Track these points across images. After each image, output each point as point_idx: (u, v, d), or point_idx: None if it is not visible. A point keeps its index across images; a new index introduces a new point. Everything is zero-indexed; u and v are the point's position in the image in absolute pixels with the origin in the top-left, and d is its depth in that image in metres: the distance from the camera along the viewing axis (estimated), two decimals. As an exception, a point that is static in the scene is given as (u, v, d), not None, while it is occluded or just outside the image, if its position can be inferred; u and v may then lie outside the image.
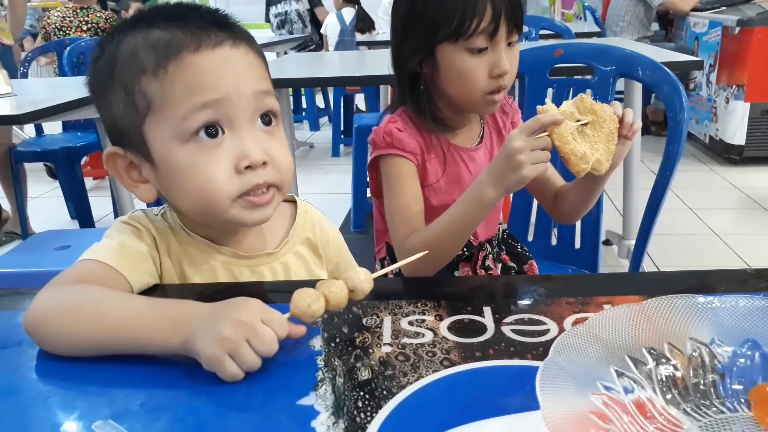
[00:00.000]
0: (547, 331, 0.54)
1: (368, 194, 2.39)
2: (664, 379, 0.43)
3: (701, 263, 2.42)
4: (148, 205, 0.76)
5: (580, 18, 5.06)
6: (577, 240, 1.36)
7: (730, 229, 2.64)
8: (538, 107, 0.72)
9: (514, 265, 1.07)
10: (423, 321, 0.57)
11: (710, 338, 0.45)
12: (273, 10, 4.71)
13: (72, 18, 3.41)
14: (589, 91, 1.31)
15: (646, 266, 2.28)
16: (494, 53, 0.84)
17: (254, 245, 0.69)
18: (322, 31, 4.32)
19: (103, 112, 0.62)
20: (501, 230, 1.09)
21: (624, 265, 2.30)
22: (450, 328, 0.55)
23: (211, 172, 0.58)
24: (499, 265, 1.07)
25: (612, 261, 2.36)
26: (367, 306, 0.59)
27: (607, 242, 2.48)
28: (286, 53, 4.45)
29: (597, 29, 3.85)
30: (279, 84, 2.47)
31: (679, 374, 0.44)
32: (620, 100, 1.17)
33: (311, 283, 0.55)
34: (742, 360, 0.44)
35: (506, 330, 0.54)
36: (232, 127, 0.59)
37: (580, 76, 1.44)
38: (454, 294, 0.62)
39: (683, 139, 1.14)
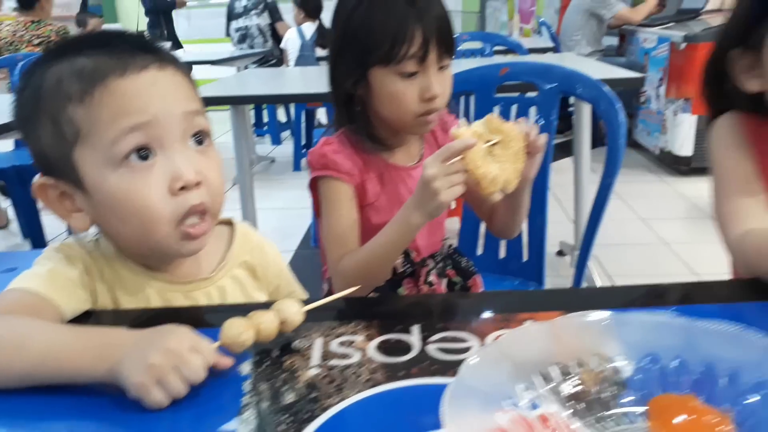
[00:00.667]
0: (468, 349, 0.56)
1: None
2: (569, 394, 0.45)
3: (651, 272, 2.50)
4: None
5: (539, 33, 5.20)
6: (524, 252, 1.40)
7: (679, 238, 2.74)
8: (452, 131, 0.73)
9: (459, 280, 1.10)
10: (353, 342, 0.58)
11: (615, 353, 0.48)
12: (234, 24, 4.70)
13: (23, 32, 3.35)
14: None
15: (599, 276, 2.34)
16: (425, 77, 0.87)
17: (189, 270, 0.70)
18: (282, 45, 4.33)
19: (31, 143, 0.62)
20: (447, 246, 1.12)
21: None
22: (378, 348, 0.57)
23: (145, 194, 0.59)
24: (444, 281, 1.09)
25: (565, 271, 2.42)
26: (299, 328, 0.60)
27: (560, 253, 2.54)
28: (246, 68, 4.45)
29: (552, 44, 3.96)
30: (240, 101, 2.49)
31: (584, 389, 0.46)
32: (570, 114, 1.21)
33: (246, 308, 0.56)
34: (642, 374, 0.47)
35: (431, 348, 0.56)
36: (164, 149, 0.59)
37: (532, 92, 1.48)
38: (386, 313, 0.63)
39: (621, 152, 1.19)
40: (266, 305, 0.57)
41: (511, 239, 1.33)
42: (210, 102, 2.63)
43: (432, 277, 1.05)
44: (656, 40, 3.75)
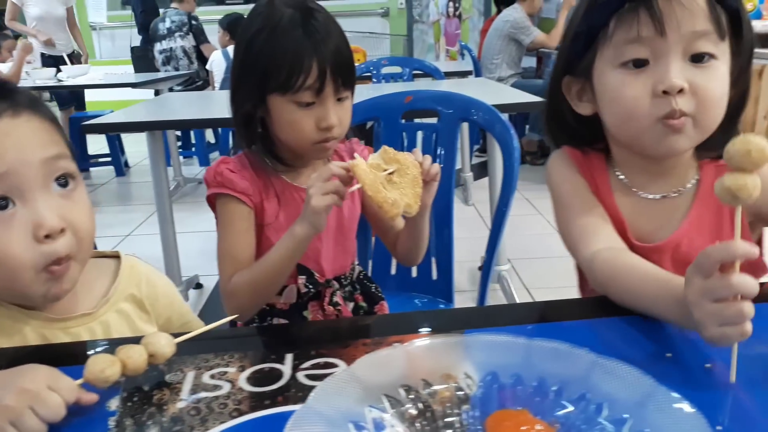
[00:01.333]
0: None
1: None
2: (415, 414, 0.48)
3: (569, 283, 2.61)
4: None
5: (463, 55, 5.38)
6: (433, 271, 1.45)
7: (593, 250, 2.87)
8: (349, 163, 0.77)
9: (365, 306, 1.11)
10: (225, 373, 0.59)
11: (461, 373, 0.52)
12: (158, 46, 4.62)
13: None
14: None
15: (517, 290, 2.43)
16: (321, 108, 0.89)
17: (68, 306, 0.69)
18: (207, 67, 4.29)
19: None
20: (357, 270, 1.14)
21: (496, 289, 2.44)
22: (249, 378, 0.58)
23: (6, 246, 0.58)
24: (351, 304, 1.11)
25: (487, 286, 2.49)
26: (173, 362, 0.61)
27: (481, 268, 2.61)
28: (171, 89, 4.38)
29: (472, 68, 4.10)
30: (165, 126, 2.45)
31: (429, 409, 0.49)
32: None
33: (117, 343, 0.56)
34: (483, 391, 0.50)
35: (300, 375, 0.58)
36: (24, 198, 0.59)
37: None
38: (260, 343, 0.65)
39: (516, 173, 1.27)
40: (136, 339, 0.58)
41: (413, 266, 1.39)
42: (126, 128, 2.59)
43: (337, 298, 1.06)
44: (569, 62, 3.95)
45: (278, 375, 0.58)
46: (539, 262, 2.75)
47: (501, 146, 1.29)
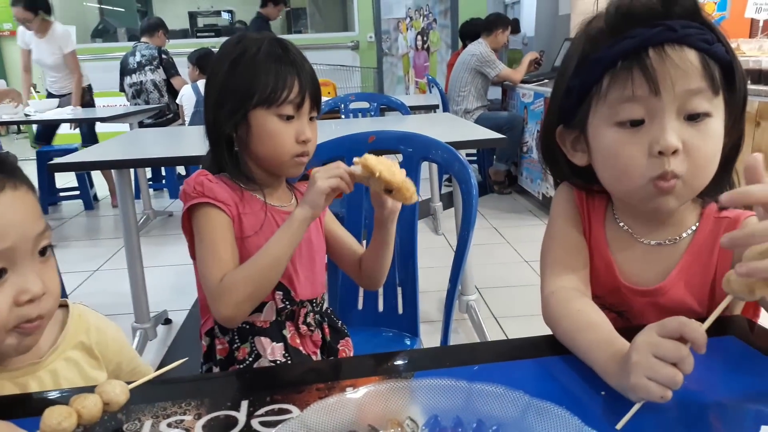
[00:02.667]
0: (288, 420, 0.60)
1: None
2: (361, 458, 0.51)
3: (536, 311, 2.65)
4: None
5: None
6: (399, 306, 1.47)
7: (558, 279, 2.93)
8: (356, 159, 0.88)
9: (330, 341, 1.13)
10: (182, 421, 0.61)
11: (405, 417, 0.55)
12: (128, 80, 4.63)
13: None
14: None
15: (485, 318, 2.47)
16: (299, 122, 0.98)
17: (16, 356, 0.70)
18: (178, 101, 4.31)
19: None
20: (325, 305, 1.16)
21: (465, 318, 2.48)
22: (204, 426, 0.60)
23: None
24: (320, 333, 1.13)
25: (456, 315, 2.52)
26: (131, 411, 0.62)
27: (450, 299, 2.65)
28: (141, 123, 4.38)
29: (439, 101, 4.21)
30: (135, 164, 2.44)
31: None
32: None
33: (71, 392, 0.58)
34: (426, 434, 0.53)
35: (255, 422, 0.60)
36: (15, 268, 0.63)
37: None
38: (217, 389, 0.67)
39: (474, 208, 1.31)
40: (90, 389, 0.60)
41: (391, 294, 1.42)
42: (96, 166, 2.58)
43: (310, 319, 1.09)
44: (533, 95, 4.09)
45: (233, 422, 0.60)
46: (507, 290, 2.80)
47: (460, 184, 1.34)
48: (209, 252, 0.94)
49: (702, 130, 0.69)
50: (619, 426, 0.55)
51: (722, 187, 0.76)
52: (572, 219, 0.86)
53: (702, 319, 0.56)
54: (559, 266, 0.83)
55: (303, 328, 1.07)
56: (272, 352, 1.03)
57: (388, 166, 0.87)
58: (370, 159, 0.87)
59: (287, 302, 1.04)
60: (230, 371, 1.00)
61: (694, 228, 0.80)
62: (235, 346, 1.03)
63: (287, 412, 0.62)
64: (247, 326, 1.03)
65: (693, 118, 0.69)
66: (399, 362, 0.72)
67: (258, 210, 1.01)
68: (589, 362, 0.66)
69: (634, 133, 0.71)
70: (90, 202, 4.53)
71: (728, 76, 0.71)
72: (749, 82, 3.13)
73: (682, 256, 0.79)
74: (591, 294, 0.82)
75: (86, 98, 4.54)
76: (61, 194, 4.63)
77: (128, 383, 0.61)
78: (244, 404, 0.63)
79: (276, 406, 0.63)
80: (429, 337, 1.83)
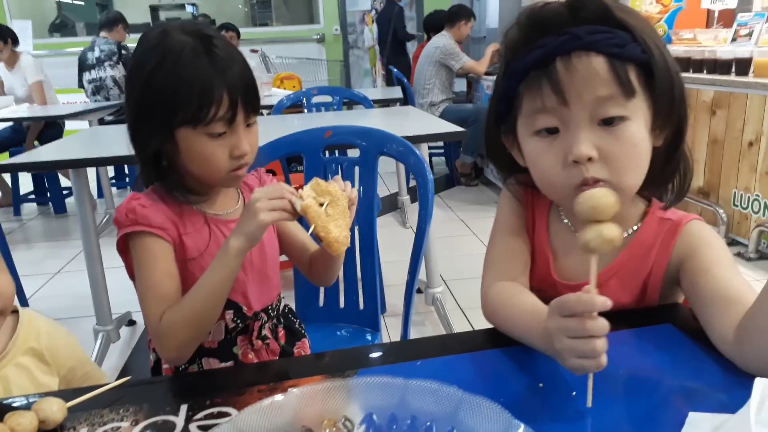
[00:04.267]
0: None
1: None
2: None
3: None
4: None
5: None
6: (360, 301, 1.47)
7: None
8: (300, 204, 0.81)
9: (285, 345, 1.11)
10: (118, 428, 0.60)
11: (342, 416, 0.55)
12: (86, 76, 4.51)
13: None
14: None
15: (451, 310, 2.49)
16: (233, 137, 0.88)
17: None
18: (139, 97, 4.22)
19: None
20: (282, 304, 1.14)
21: (431, 311, 2.49)
22: (141, 432, 0.59)
23: None
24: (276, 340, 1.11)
25: (422, 308, 2.54)
26: (66, 419, 0.61)
27: (417, 290, 2.67)
28: (102, 120, 4.28)
29: (403, 95, 4.20)
30: (95, 163, 2.38)
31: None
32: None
33: (5, 409, 0.56)
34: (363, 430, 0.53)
35: (193, 427, 0.60)
36: None
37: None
38: (155, 394, 0.66)
39: (431, 202, 1.32)
40: (27, 406, 0.58)
41: (352, 290, 1.42)
42: (55, 166, 2.52)
43: (266, 331, 1.04)
44: (497, 87, 4.10)
45: (171, 427, 0.60)
46: (474, 282, 2.80)
47: (416, 178, 1.34)
48: (148, 288, 0.87)
49: (618, 134, 0.68)
50: (588, 403, 0.58)
51: (667, 178, 0.76)
52: (516, 214, 0.87)
53: (624, 307, 0.57)
54: (497, 263, 0.84)
55: (257, 343, 1.02)
56: None
57: (326, 222, 0.80)
58: (310, 210, 0.80)
59: (238, 320, 0.99)
60: (171, 375, 0.97)
61: (635, 228, 0.80)
62: (182, 367, 0.98)
63: (227, 415, 0.61)
64: None
65: (608, 122, 0.68)
66: (343, 360, 0.72)
67: (201, 226, 0.94)
68: (530, 343, 0.68)
69: (551, 142, 0.71)
70: (62, 205, 4.27)
71: (649, 72, 0.68)
72: (705, 71, 3.21)
73: (619, 253, 0.79)
74: (529, 288, 0.83)
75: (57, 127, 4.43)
76: (28, 196, 4.42)
77: (66, 400, 0.60)
78: (183, 408, 0.63)
79: (216, 410, 0.62)
80: (397, 331, 1.83)
